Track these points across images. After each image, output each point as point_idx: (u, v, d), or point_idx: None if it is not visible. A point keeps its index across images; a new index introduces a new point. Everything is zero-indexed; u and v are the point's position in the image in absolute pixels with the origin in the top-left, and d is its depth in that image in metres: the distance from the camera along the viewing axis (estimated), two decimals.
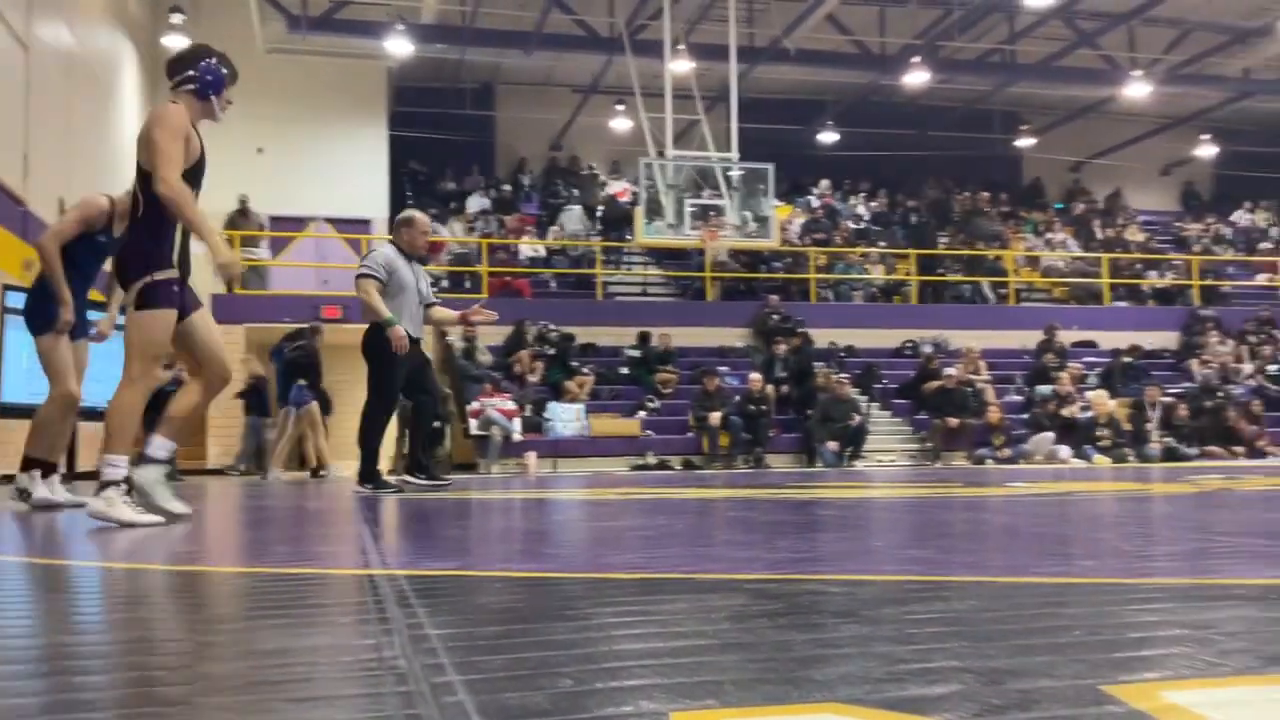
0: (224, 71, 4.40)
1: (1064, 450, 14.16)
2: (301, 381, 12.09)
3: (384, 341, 6.54)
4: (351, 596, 2.17)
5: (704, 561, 2.64)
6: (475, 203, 19.35)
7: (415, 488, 6.91)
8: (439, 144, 20.81)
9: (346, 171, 18.47)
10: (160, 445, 4.28)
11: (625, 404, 15.00)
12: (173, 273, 4.19)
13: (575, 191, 20.40)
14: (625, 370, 15.76)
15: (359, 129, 18.77)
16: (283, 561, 2.89)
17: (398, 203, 19.59)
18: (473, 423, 13.63)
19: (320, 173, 18.30)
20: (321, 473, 12.05)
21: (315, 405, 12.15)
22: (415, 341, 6.77)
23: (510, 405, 13.74)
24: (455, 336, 15.22)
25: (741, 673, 1.30)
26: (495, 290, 17.04)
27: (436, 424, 8.23)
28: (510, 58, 19.73)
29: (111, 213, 5.48)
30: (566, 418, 14.18)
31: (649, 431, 14.23)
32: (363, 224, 18.26)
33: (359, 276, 6.78)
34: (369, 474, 6.69)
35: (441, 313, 7.21)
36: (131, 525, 3.88)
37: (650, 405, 14.77)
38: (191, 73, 4.33)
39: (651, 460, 13.75)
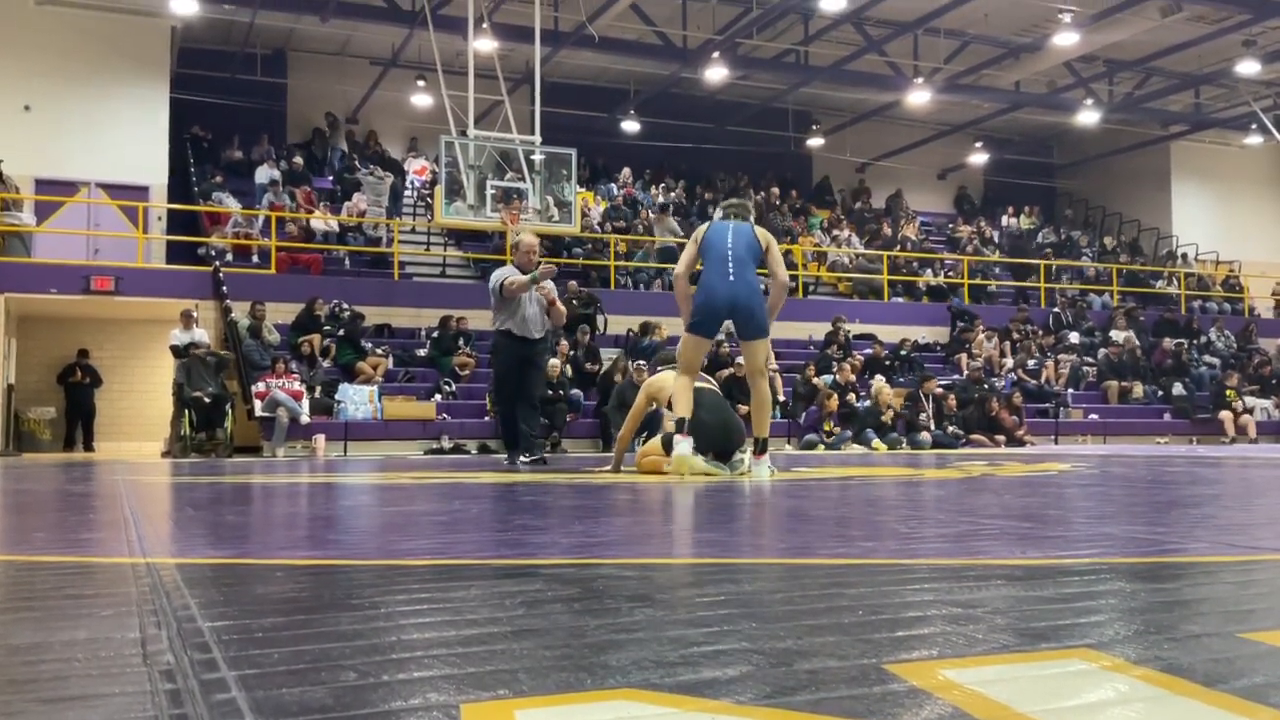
0: None
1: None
2: None
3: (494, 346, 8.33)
4: (117, 587, 2.01)
5: (499, 547, 2.61)
6: (264, 174, 18.47)
7: (526, 466, 7.80)
8: (226, 110, 19.81)
9: (123, 135, 17.31)
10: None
11: (421, 387, 14.72)
12: None
13: (369, 169, 19.83)
14: (422, 352, 15.46)
15: (138, 90, 17.62)
16: (40, 549, 2.67)
17: (178, 169, 18.51)
18: (258, 404, 13.06)
19: (94, 135, 17.09)
20: None
21: None
22: (525, 341, 8.03)
23: (298, 386, 13.24)
24: (239, 314, 14.52)
25: (535, 660, 1.28)
26: (283, 266, 16.38)
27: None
28: (305, 24, 18.99)
29: None
30: (359, 400, 13.78)
31: (445, 415, 14.00)
32: (140, 191, 17.12)
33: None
34: (510, 445, 8.41)
35: (549, 299, 8.21)
36: None
37: (447, 389, 14.55)
38: None
39: (446, 444, 13.53)
